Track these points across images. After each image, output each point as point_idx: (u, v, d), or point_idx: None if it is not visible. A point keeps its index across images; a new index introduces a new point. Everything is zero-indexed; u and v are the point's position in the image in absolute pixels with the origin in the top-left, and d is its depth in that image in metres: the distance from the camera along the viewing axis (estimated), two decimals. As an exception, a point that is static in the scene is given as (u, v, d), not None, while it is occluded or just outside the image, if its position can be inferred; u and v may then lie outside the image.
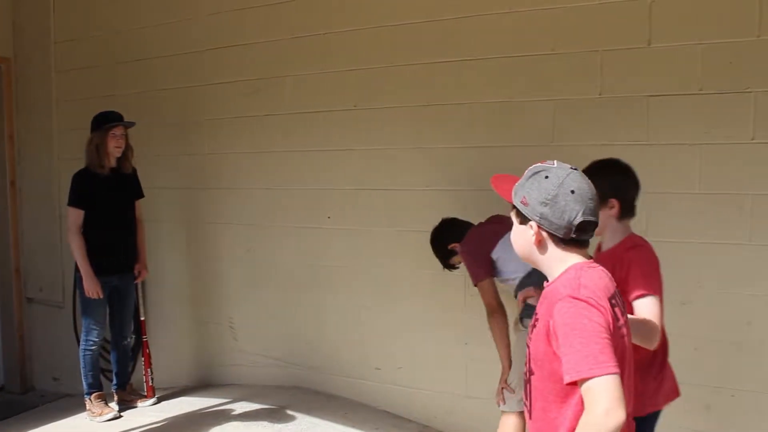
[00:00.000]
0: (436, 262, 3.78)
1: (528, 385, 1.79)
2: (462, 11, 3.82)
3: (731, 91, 3.18)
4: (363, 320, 4.29)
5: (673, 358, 3.40)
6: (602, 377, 1.53)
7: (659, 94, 3.33)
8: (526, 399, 1.82)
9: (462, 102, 3.86)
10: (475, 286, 3.26)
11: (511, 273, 3.15)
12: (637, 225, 3.29)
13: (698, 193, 3.28)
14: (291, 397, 4.39)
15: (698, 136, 3.25)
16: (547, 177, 1.71)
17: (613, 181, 2.37)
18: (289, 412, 4.16)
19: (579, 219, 1.67)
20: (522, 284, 3.05)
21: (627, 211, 2.43)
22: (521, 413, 3.02)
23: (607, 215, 2.37)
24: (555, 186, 1.68)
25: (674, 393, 2.57)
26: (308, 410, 4.18)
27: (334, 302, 4.40)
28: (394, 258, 4.15)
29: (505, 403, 3.18)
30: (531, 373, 1.76)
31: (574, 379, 1.57)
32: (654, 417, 2.51)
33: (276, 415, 4.13)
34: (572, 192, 1.68)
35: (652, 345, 2.24)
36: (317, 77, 4.34)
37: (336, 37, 4.24)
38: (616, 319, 1.66)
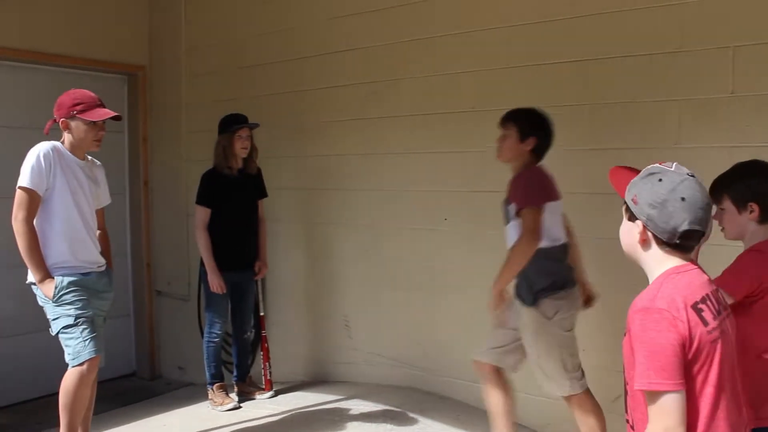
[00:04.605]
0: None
1: (626, 396, 1.80)
2: (581, 10, 3.73)
3: None
4: (477, 323, 4.24)
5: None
6: (663, 395, 1.59)
7: (798, 92, 3.13)
8: (626, 412, 1.82)
9: (582, 103, 3.77)
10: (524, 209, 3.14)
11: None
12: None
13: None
14: (404, 397, 4.43)
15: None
16: (660, 180, 1.72)
17: (752, 184, 2.34)
18: (403, 412, 4.19)
19: (685, 227, 1.69)
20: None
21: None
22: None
23: (746, 219, 2.35)
24: (667, 191, 1.69)
25: None
26: (421, 411, 4.20)
27: (449, 304, 4.39)
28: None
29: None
30: (626, 383, 1.77)
31: (638, 388, 1.64)
32: None
33: (390, 414, 4.18)
34: (683, 199, 1.68)
35: None
36: (434, 79, 4.36)
37: (453, 38, 4.24)
38: (703, 323, 1.65)
